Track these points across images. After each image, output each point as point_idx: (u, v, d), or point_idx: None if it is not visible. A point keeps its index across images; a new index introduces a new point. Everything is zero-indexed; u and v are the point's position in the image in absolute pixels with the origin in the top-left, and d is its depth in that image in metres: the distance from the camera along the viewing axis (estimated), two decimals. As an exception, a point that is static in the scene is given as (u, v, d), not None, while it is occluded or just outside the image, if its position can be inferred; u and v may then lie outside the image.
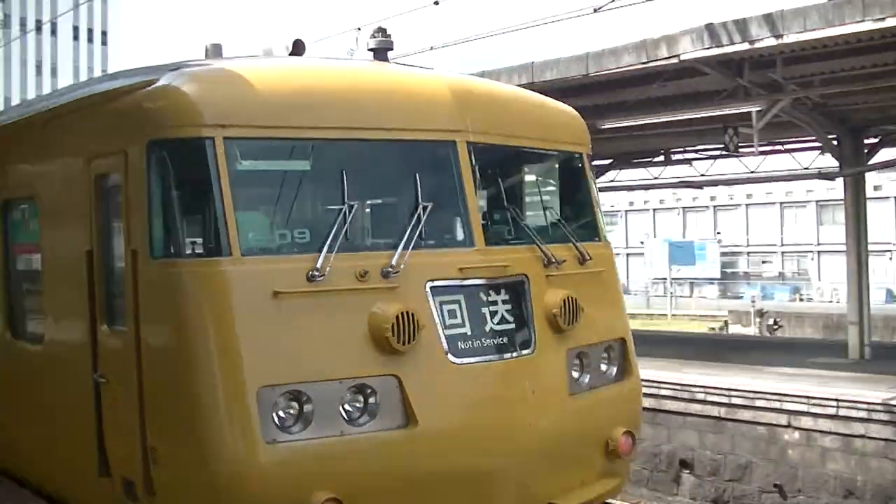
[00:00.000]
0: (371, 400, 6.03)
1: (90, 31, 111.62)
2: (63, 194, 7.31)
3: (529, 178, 7.91)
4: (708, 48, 14.80)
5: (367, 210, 6.49)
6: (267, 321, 5.80)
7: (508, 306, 6.66)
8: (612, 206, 76.35)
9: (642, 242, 72.36)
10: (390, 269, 6.12)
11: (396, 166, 6.63)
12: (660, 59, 15.34)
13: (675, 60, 15.22)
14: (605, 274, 7.68)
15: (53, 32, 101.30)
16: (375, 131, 6.41)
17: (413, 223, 6.31)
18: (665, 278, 61.68)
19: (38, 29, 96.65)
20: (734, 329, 39.35)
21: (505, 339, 6.54)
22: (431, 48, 16.28)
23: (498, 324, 6.54)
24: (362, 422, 5.99)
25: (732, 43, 14.50)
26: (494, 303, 6.58)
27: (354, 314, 6.02)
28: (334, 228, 6.02)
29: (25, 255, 8.34)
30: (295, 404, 5.81)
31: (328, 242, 5.97)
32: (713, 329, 39.57)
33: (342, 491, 5.67)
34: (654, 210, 76.00)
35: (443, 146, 6.60)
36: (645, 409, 15.80)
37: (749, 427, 14.75)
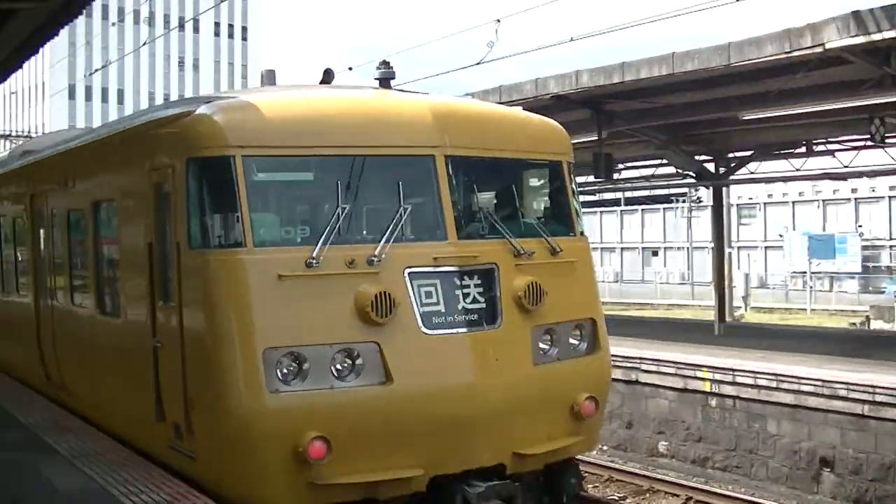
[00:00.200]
0: (357, 361, 7.61)
1: (231, 26, 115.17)
2: (132, 198, 9.25)
3: (508, 183, 9.16)
4: (854, 36, 14.44)
5: (362, 211, 8.12)
6: (273, 298, 7.47)
7: (480, 289, 8.16)
8: (750, 199, 74.65)
9: (781, 235, 70.65)
10: (374, 258, 7.74)
11: (384, 176, 8.18)
12: (804, 49, 15.05)
13: (819, 49, 14.90)
14: (577, 263, 9.13)
15: (196, 29, 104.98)
16: (366, 149, 8.05)
17: (394, 222, 7.88)
18: (804, 272, 60.14)
19: (181, 26, 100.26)
20: (876, 325, 38.15)
21: (475, 316, 8.04)
22: (571, 39, 16.29)
23: (470, 303, 8.05)
24: (348, 379, 7.57)
25: (880, 30, 14.12)
26: (467, 286, 8.08)
27: (343, 293, 7.62)
28: (328, 226, 7.67)
29: (108, 246, 10.34)
30: (294, 363, 7.44)
31: (323, 237, 7.60)
32: (854, 325, 38.44)
33: (328, 432, 7.28)
34: (794, 203, 74.11)
35: (424, 160, 8.19)
36: (784, 404, 15.74)
37: (894, 426, 14.39)
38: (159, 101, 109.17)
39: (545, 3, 16.69)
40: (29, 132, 76.46)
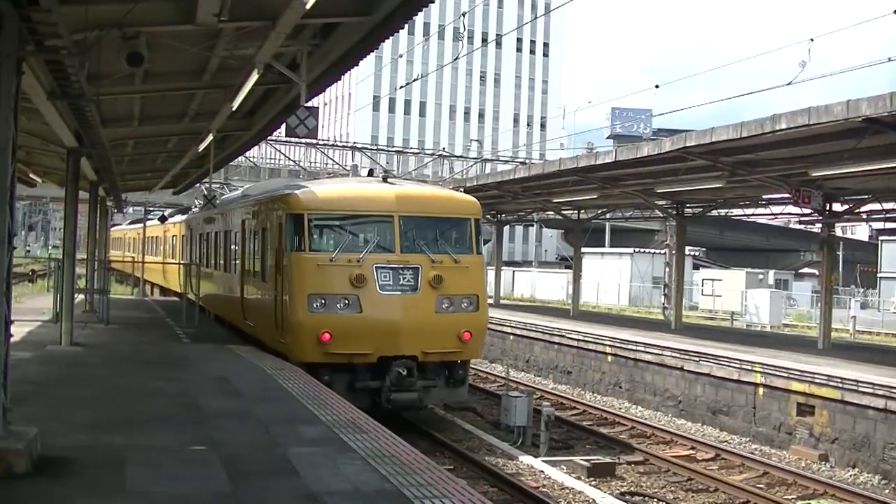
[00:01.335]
0: (348, 303, 16.88)
1: (532, 42, 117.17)
2: (273, 228, 18.80)
3: (435, 228, 18.18)
4: None
5: (358, 238, 17.58)
6: (314, 273, 17.00)
7: (409, 276, 17.29)
8: None
9: None
10: (359, 259, 16.90)
11: (368, 224, 17.73)
12: None
13: None
14: (471, 268, 18.15)
15: (498, 44, 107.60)
16: (362, 212, 17.70)
17: (372, 244, 17.29)
18: None
19: (485, 41, 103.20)
20: None
21: (406, 288, 17.21)
22: (889, 59, 15.32)
23: (403, 282, 17.24)
24: (344, 310, 16.79)
25: None
26: (403, 274, 17.26)
27: (344, 273, 16.83)
28: (341, 244, 17.18)
29: (265, 248, 19.78)
30: (321, 301, 16.83)
31: (338, 249, 17.06)
32: None
33: (332, 330, 16.69)
34: None
35: (388, 217, 17.56)
36: None
37: None
38: (460, 114, 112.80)
39: (863, 21, 15.80)
40: (335, 141, 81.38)
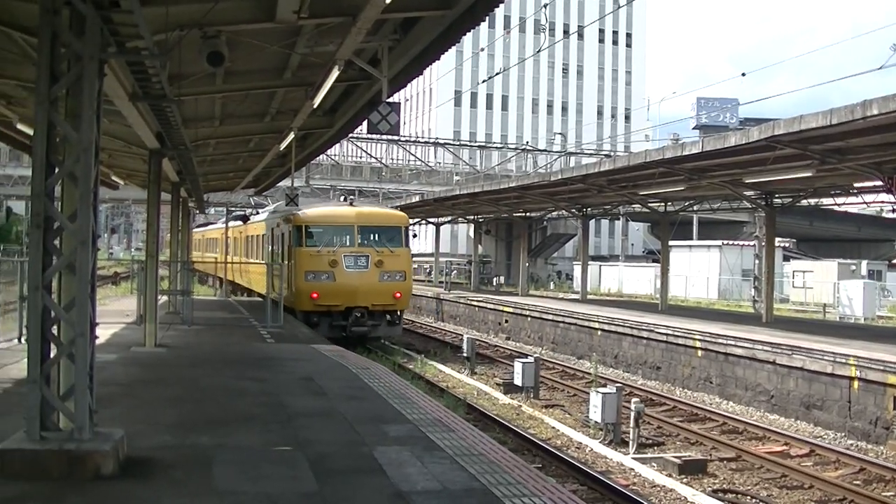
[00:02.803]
0: (328, 275, 29.59)
1: (615, 33, 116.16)
2: (286, 233, 31.51)
3: (381, 233, 30.85)
4: None
5: (333, 238, 30.21)
6: (309, 260, 29.71)
7: (364, 260, 29.99)
8: None
9: None
10: (334, 249, 29.82)
11: (339, 230, 30.41)
12: None
13: None
14: (401, 256, 30.76)
15: (580, 36, 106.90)
16: (336, 223, 30.68)
17: (341, 241, 30.07)
18: None
19: (567, 33, 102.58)
20: None
21: (362, 267, 29.99)
22: None
23: (360, 264, 30.01)
24: (325, 280, 29.52)
25: None
26: (360, 259, 30.00)
27: (325, 259, 29.70)
28: (324, 242, 30.14)
29: (284, 247, 32.00)
30: (313, 274, 29.45)
31: (322, 245, 30.03)
32: None
33: (318, 291, 29.45)
34: None
35: (351, 226, 30.31)
36: None
37: None
38: (543, 107, 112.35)
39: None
40: (417, 137, 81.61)
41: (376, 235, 30.64)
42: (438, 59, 13.62)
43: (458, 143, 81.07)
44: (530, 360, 23.82)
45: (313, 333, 25.73)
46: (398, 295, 30.35)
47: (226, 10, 10.72)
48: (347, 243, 29.91)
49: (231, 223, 46.57)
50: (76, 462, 8.01)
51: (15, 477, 7.78)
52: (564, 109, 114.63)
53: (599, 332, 31.60)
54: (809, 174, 24.99)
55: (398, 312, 31.30)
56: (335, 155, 71.78)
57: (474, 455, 9.55)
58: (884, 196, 29.55)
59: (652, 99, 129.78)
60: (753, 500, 14.72)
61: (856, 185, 28.44)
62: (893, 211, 39.53)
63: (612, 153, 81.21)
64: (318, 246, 29.82)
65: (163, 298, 26.14)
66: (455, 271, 69.05)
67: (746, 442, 18.77)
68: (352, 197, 38.93)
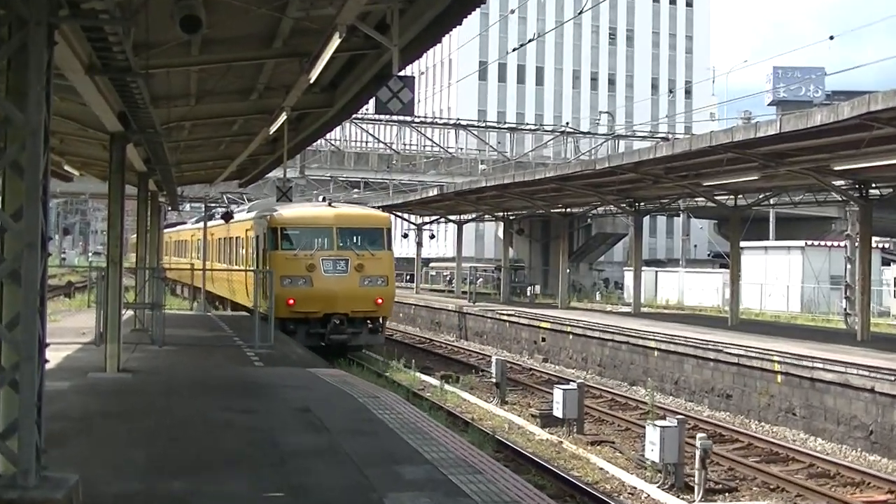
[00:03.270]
0: (304, 280, 33.60)
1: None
2: (260, 236, 35.86)
3: (362, 234, 35.20)
4: None
5: (312, 240, 34.35)
6: (285, 263, 33.31)
7: (343, 263, 33.98)
8: None
9: None
10: (311, 252, 33.88)
11: (317, 232, 34.61)
12: None
13: None
14: (383, 259, 34.93)
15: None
16: (314, 225, 34.99)
17: (319, 244, 34.22)
18: None
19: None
20: None
21: (341, 271, 33.94)
22: None
23: (339, 268, 33.93)
24: (302, 285, 33.52)
25: None
26: (339, 263, 33.97)
27: (303, 262, 33.72)
28: (301, 244, 34.38)
29: (259, 250, 36.21)
30: (289, 279, 33.04)
31: (298, 247, 34.23)
32: None
33: (295, 297, 33.07)
34: None
35: (329, 228, 34.61)
36: None
37: None
38: (585, 81, 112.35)
39: None
40: (434, 118, 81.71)
41: (356, 238, 34.82)
42: (460, 23, 13.53)
43: (483, 124, 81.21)
44: (573, 386, 23.70)
45: (311, 355, 26.13)
46: (380, 301, 34.43)
47: (202, -36, 10.69)
48: (325, 246, 34.05)
49: (211, 222, 46.72)
50: (21, 514, 7.97)
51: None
52: (611, 83, 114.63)
53: (656, 353, 31.48)
54: (914, 159, 24.81)
55: (380, 320, 35.40)
56: (336, 140, 72.00)
57: (506, 503, 9.45)
58: None
59: (718, 70, 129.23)
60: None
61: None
62: None
63: (670, 136, 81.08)
64: (294, 249, 33.99)
65: (128, 313, 26.23)
66: (481, 279, 69.09)
67: (840, 489, 18.60)
68: (330, 199, 41.81)
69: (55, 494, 8.14)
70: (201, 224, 47.82)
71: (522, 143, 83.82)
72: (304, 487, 10.00)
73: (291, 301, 32.36)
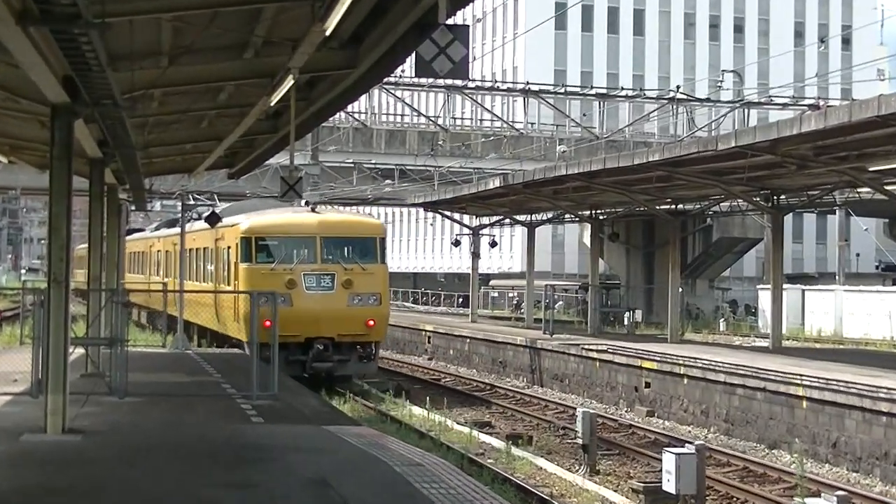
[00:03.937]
0: (284, 299, 35.88)
1: None
2: (231, 248, 44.90)
3: (349, 245, 43.27)
4: None
5: (292, 253, 42.39)
6: (260, 279, 40.64)
7: (328, 279, 41.61)
8: None
9: None
10: (291, 267, 41.66)
11: (298, 242, 42.62)
12: None
13: None
14: (376, 274, 42.87)
15: None
16: (294, 234, 42.99)
17: (300, 257, 42.10)
18: None
19: None
20: None
21: (326, 288, 41.66)
22: None
23: (323, 284, 41.63)
24: (282, 305, 32.88)
25: None
26: (324, 279, 41.61)
27: (282, 278, 40.37)
28: (279, 258, 42.29)
29: (228, 264, 46.00)
30: (265, 298, 30.57)
31: (276, 261, 42.10)
32: None
33: (271, 319, 29.84)
34: None
35: (313, 237, 42.25)
36: None
37: None
38: (702, 29, 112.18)
39: None
40: (494, 83, 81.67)
41: (344, 249, 42.00)
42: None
43: (561, 90, 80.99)
44: (690, 449, 23.62)
45: (328, 408, 25.96)
46: (371, 323, 41.16)
47: None
48: (308, 259, 40.82)
49: (190, 226, 47.61)
50: None
51: None
52: (738, 31, 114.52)
53: (805, 404, 31.31)
54: None
55: (372, 345, 42.45)
56: (361, 113, 72.29)
57: None
58: None
59: (887, 10, 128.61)
60: None
61: None
62: None
63: (822, 102, 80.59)
64: (271, 262, 40.97)
65: (77, 352, 26.24)
66: (561, 302, 69.11)
67: None
68: (313, 204, 47.56)
69: None
70: (177, 229, 48.15)
71: (616, 115, 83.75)
72: None
73: (268, 323, 32.99)
